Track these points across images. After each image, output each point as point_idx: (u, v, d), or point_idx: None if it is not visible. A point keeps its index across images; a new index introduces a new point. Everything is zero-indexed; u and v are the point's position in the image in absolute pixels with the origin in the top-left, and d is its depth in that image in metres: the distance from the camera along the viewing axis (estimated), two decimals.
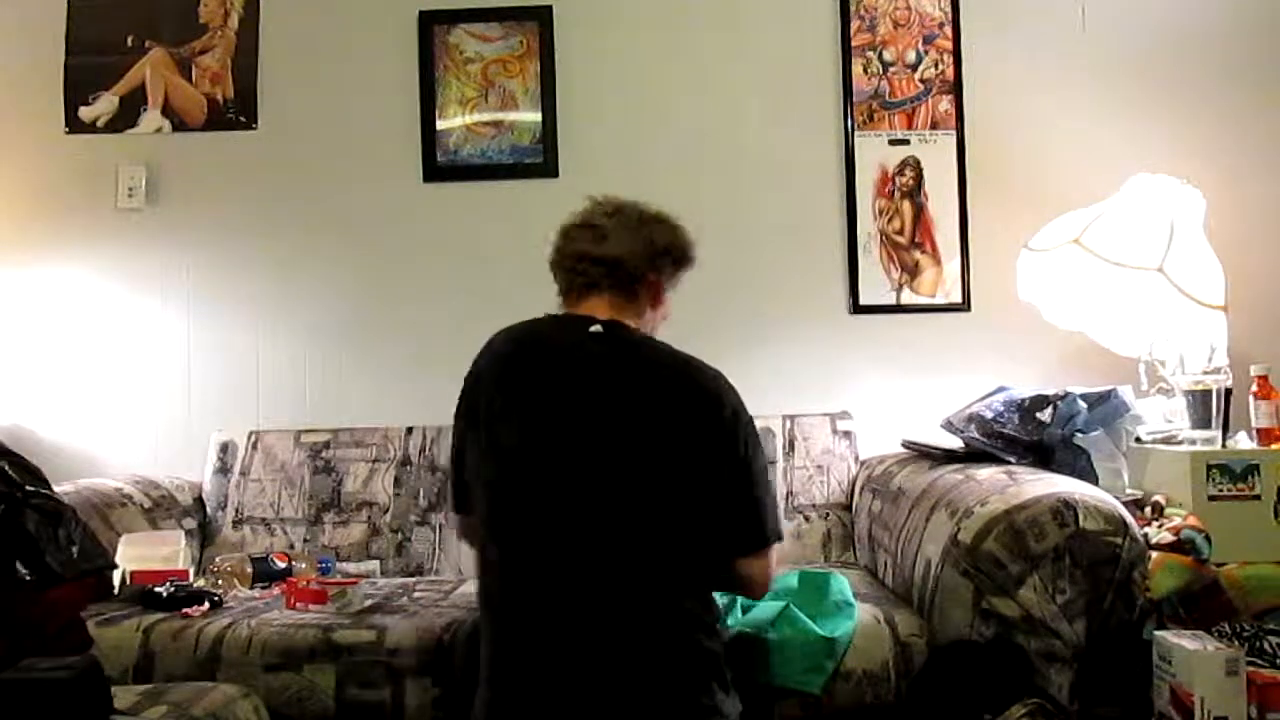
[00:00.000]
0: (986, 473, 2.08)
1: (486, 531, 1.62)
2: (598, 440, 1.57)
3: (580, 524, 1.55)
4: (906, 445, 2.54)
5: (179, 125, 3.00)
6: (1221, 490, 2.05)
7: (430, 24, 2.97)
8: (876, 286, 2.92)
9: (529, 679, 1.54)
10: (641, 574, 1.55)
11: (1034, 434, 2.24)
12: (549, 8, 2.96)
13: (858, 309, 2.92)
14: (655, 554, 1.55)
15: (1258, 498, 2.05)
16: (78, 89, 3.00)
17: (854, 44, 2.95)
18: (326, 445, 2.76)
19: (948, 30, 2.94)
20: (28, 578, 1.63)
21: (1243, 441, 2.23)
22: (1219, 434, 2.21)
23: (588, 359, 1.63)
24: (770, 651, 1.81)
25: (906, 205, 2.93)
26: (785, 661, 1.81)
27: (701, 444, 1.57)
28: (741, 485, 1.59)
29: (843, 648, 1.84)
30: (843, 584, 2.00)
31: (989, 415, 2.33)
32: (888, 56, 2.95)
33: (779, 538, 1.64)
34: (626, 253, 1.70)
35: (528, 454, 1.59)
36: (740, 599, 1.92)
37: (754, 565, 1.62)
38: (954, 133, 2.93)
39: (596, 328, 1.66)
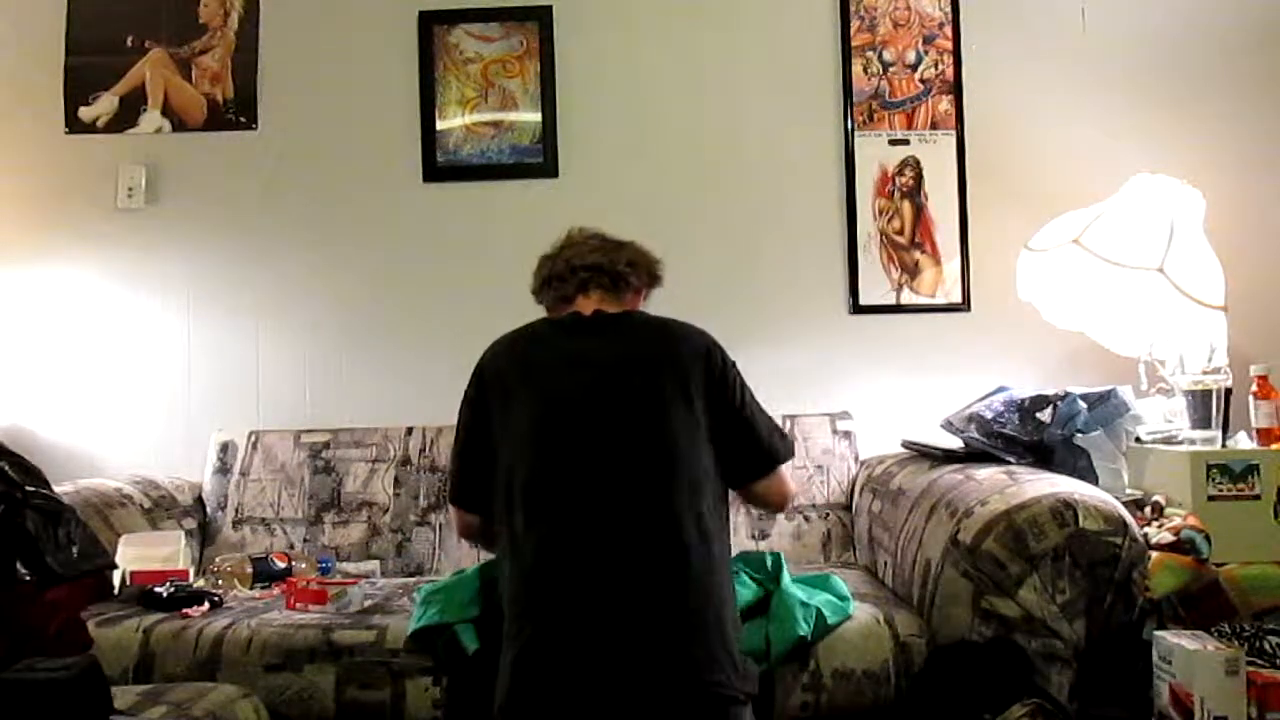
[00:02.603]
0: (986, 473, 2.08)
1: (524, 511, 1.67)
2: (615, 409, 1.69)
3: (606, 494, 1.64)
4: (906, 445, 2.54)
5: (179, 125, 3.00)
6: (1221, 490, 2.05)
7: (430, 24, 2.97)
8: (876, 286, 2.92)
9: (565, 643, 1.58)
10: (667, 528, 1.63)
11: (1034, 434, 2.24)
12: (549, 8, 2.96)
13: (858, 309, 2.92)
14: (680, 505, 1.64)
15: (1258, 498, 2.05)
16: (78, 89, 3.00)
17: (854, 44, 2.95)
18: (326, 445, 2.76)
19: (948, 30, 2.94)
20: (28, 578, 1.63)
21: (1242, 441, 2.24)
22: (1219, 434, 2.22)
23: (589, 343, 1.77)
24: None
25: (906, 205, 2.93)
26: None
27: (701, 397, 1.71)
28: (741, 424, 1.77)
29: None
30: (840, 586, 2.00)
31: (989, 415, 2.33)
32: (888, 56, 2.95)
33: (788, 455, 1.84)
34: (606, 261, 1.87)
35: (552, 431, 1.69)
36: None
37: (769, 485, 1.82)
38: (954, 133, 2.93)
39: (587, 316, 1.81)
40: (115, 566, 2.18)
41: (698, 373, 1.72)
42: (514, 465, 1.69)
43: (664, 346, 1.76)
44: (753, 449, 1.79)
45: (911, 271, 2.92)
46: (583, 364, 1.73)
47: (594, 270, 1.86)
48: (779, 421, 2.65)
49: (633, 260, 1.90)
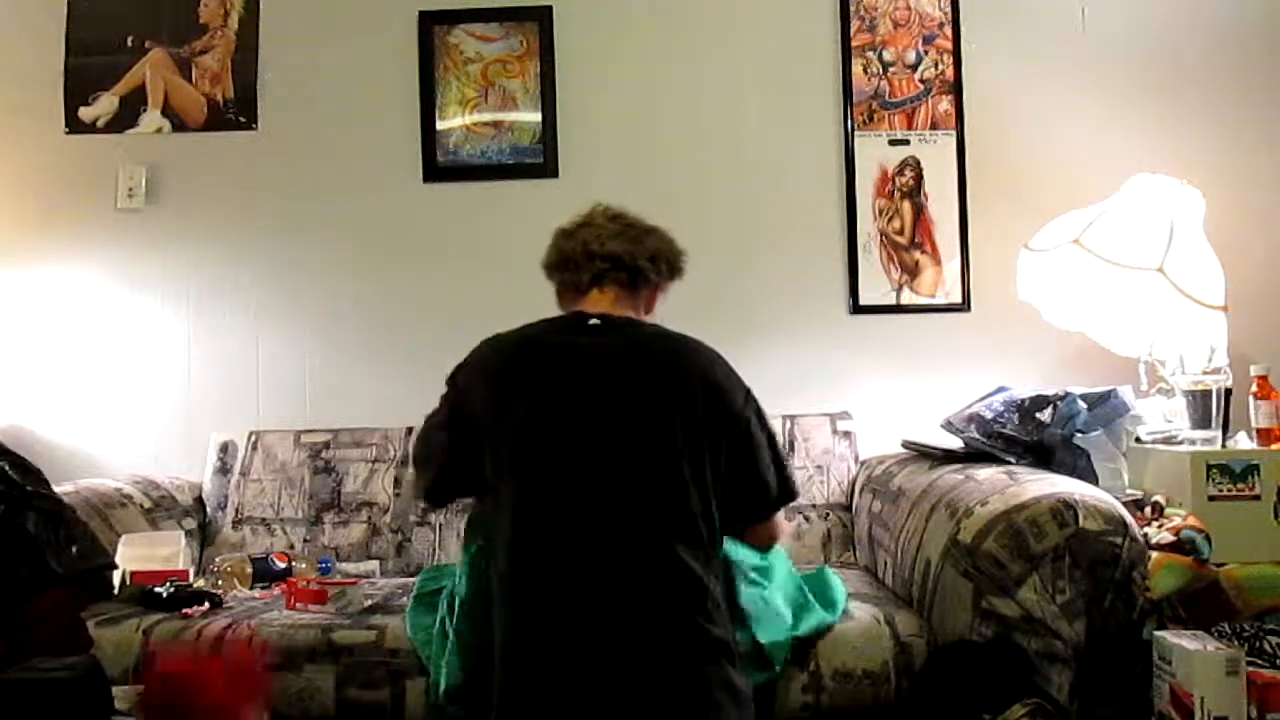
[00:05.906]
0: (986, 473, 2.08)
1: (510, 526, 1.62)
2: (610, 432, 1.62)
3: (602, 517, 1.59)
4: (906, 445, 2.54)
5: (179, 125, 3.00)
6: (1221, 490, 2.05)
7: (430, 24, 2.97)
8: (876, 286, 2.92)
9: (548, 662, 1.56)
10: (660, 550, 1.58)
11: (1034, 434, 2.24)
12: (549, 8, 2.96)
13: (858, 309, 2.92)
14: (673, 531, 1.59)
15: (1258, 498, 2.04)
16: (78, 89, 3.00)
17: (854, 44, 2.95)
18: (326, 445, 2.76)
19: (948, 30, 2.94)
20: (28, 578, 1.63)
21: (1243, 441, 2.23)
22: (1219, 434, 2.21)
23: (590, 353, 1.68)
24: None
25: (906, 205, 2.93)
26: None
27: (714, 431, 1.64)
28: (746, 469, 1.68)
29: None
30: (835, 587, 2.00)
31: (989, 415, 2.33)
32: (888, 56, 2.95)
33: (786, 500, 1.76)
34: (626, 252, 1.76)
35: (542, 448, 1.62)
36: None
37: (758, 530, 1.76)
38: (954, 133, 2.93)
39: (595, 321, 1.72)
40: (115, 566, 2.17)
41: (710, 406, 1.64)
42: (502, 482, 1.63)
43: (677, 373, 1.66)
44: (751, 495, 1.70)
45: (911, 271, 2.92)
46: (583, 379, 1.65)
47: (613, 261, 1.75)
48: (783, 427, 2.72)
49: (655, 253, 1.79)
